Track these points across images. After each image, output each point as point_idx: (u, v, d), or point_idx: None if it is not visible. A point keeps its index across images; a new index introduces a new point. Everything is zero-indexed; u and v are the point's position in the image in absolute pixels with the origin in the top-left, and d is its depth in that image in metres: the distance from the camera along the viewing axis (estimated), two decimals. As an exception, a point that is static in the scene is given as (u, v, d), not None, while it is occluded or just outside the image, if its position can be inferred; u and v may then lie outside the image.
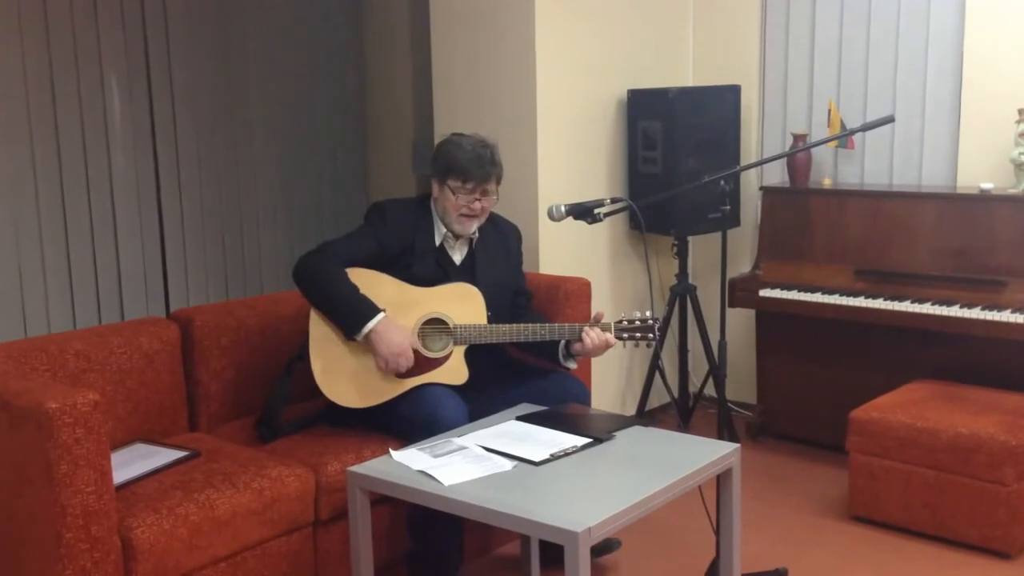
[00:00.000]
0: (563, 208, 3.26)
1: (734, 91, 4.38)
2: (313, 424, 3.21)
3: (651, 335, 3.13)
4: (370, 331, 3.00)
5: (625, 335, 3.13)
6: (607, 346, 3.12)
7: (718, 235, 3.63)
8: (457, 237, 3.25)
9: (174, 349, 3.23)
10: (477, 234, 3.29)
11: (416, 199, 3.33)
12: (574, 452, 2.69)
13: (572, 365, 3.27)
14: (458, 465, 2.60)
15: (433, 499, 2.49)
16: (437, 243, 3.23)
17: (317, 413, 3.22)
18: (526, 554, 3.08)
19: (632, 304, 4.45)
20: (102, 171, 4.78)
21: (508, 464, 2.61)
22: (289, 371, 3.21)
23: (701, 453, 2.70)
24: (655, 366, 4.36)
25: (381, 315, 3.02)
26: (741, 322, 4.55)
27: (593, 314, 3.20)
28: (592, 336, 3.10)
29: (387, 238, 3.18)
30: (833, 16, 4.36)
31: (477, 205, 3.17)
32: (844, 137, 4.01)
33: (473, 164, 3.16)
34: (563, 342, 3.19)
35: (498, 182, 3.23)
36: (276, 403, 3.18)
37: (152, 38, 4.90)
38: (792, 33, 4.49)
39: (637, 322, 3.13)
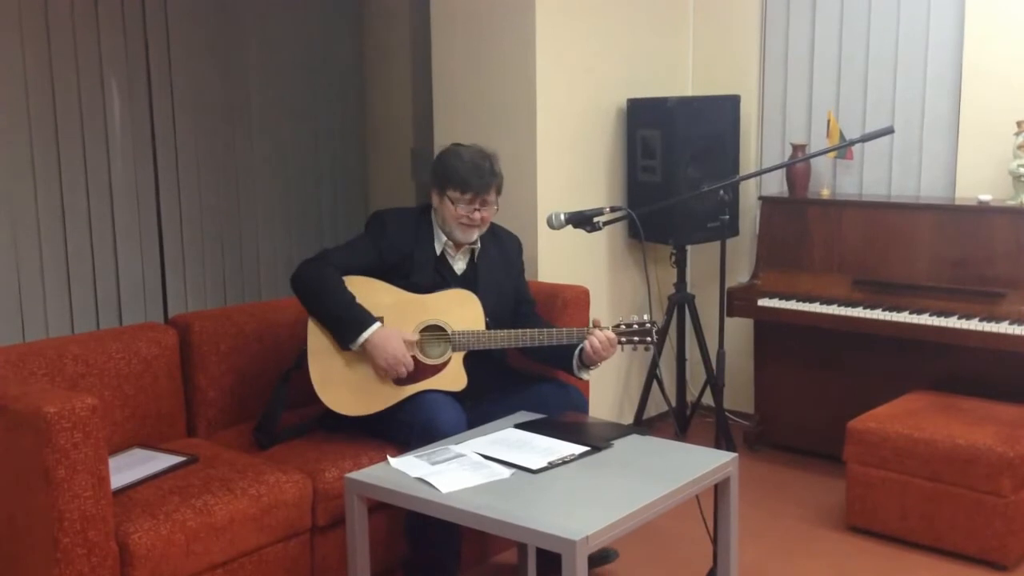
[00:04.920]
0: (562, 216, 3.27)
1: (733, 101, 4.39)
2: (311, 430, 3.21)
3: (649, 338, 3.13)
4: (365, 341, 3.01)
5: (623, 339, 3.13)
6: (613, 345, 3.12)
7: (717, 244, 3.64)
8: (458, 247, 3.25)
9: (172, 355, 3.23)
10: (479, 244, 3.29)
11: (416, 209, 3.33)
12: (572, 460, 2.69)
13: (585, 376, 3.26)
14: (456, 472, 2.60)
15: (431, 506, 2.49)
16: (438, 252, 3.23)
17: (315, 419, 3.22)
18: (523, 562, 3.08)
19: (631, 313, 4.44)
20: (102, 175, 4.79)
21: (506, 472, 2.61)
22: (286, 380, 3.21)
23: (699, 462, 2.70)
24: (653, 375, 4.36)
25: (376, 325, 3.02)
26: (739, 331, 4.55)
27: (591, 320, 3.20)
28: (596, 338, 3.09)
29: (387, 248, 3.18)
30: (833, 27, 4.37)
31: (477, 215, 3.17)
32: (843, 148, 4.02)
33: (472, 175, 3.15)
34: (576, 353, 3.19)
35: (498, 192, 3.23)
36: (273, 411, 3.18)
37: (153, 43, 4.91)
38: (792, 43, 4.50)
39: (635, 325, 3.14)
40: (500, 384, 3.27)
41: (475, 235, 3.22)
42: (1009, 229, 3.72)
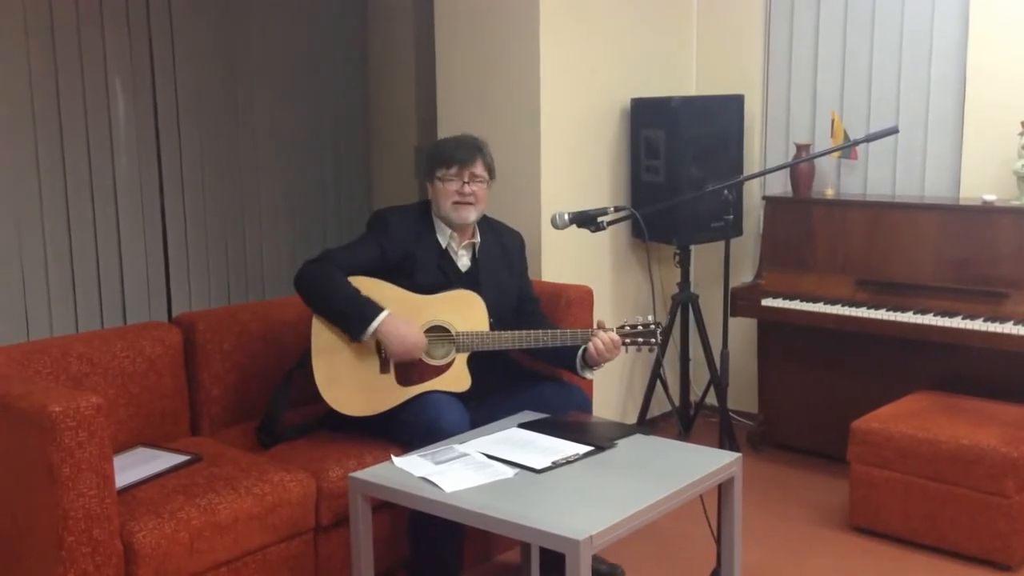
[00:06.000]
0: (566, 216, 3.27)
1: (737, 100, 4.39)
2: (314, 429, 3.21)
3: (653, 339, 3.14)
4: (376, 329, 3.01)
5: (627, 340, 3.14)
6: (617, 347, 3.13)
7: (720, 244, 3.64)
8: (462, 237, 3.25)
9: (177, 353, 3.24)
10: (479, 238, 3.29)
11: (417, 205, 3.34)
12: (576, 460, 2.69)
13: (589, 375, 3.27)
14: (460, 472, 2.60)
15: (434, 505, 2.49)
16: (444, 245, 3.23)
17: (318, 418, 3.22)
18: (527, 562, 3.08)
19: (634, 312, 4.45)
20: (106, 174, 4.79)
21: (510, 471, 2.61)
22: (289, 379, 3.21)
23: (703, 462, 2.70)
24: (656, 374, 4.36)
25: (385, 313, 3.02)
26: (743, 331, 4.55)
27: (595, 322, 3.21)
28: (600, 341, 3.09)
29: (389, 245, 3.18)
30: (837, 27, 4.37)
31: (467, 189, 3.18)
32: (847, 148, 4.01)
33: (455, 149, 3.21)
34: (580, 353, 3.19)
35: (489, 172, 3.25)
36: (276, 410, 3.19)
37: (157, 42, 4.92)
38: (796, 43, 4.50)
39: (639, 327, 3.14)
40: (504, 384, 3.27)
41: (471, 215, 3.21)
42: (1013, 229, 3.71)
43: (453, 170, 3.18)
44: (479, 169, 3.21)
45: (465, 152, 3.20)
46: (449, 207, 3.19)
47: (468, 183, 3.18)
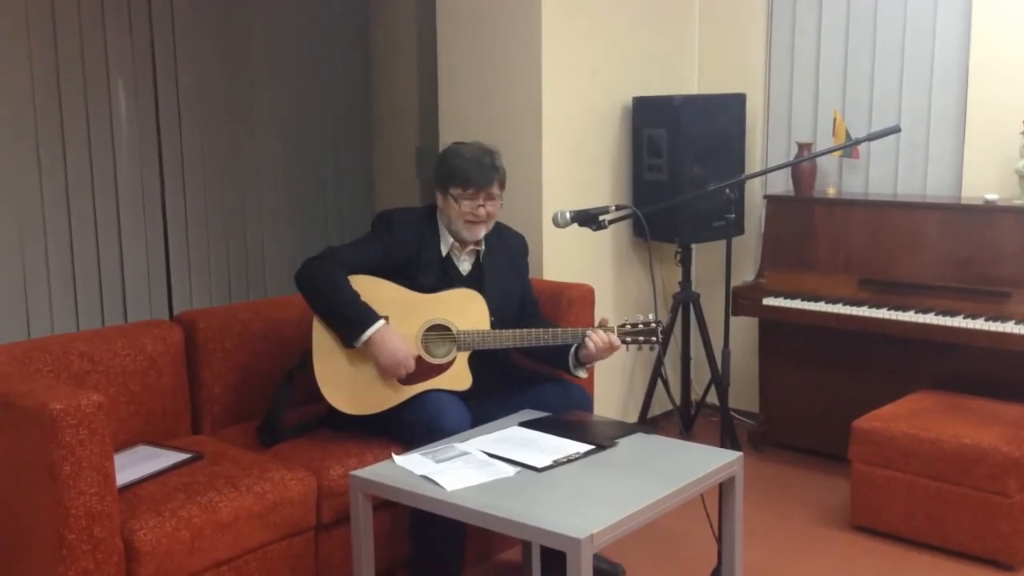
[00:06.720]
0: (568, 215, 3.26)
1: (739, 99, 4.39)
2: (315, 428, 3.21)
3: (654, 338, 3.14)
4: (368, 339, 3.00)
5: (628, 338, 3.13)
6: (612, 348, 3.13)
7: (722, 243, 3.64)
8: (464, 247, 3.24)
9: (178, 352, 3.23)
10: (484, 246, 3.29)
11: (422, 209, 3.33)
12: (577, 459, 2.69)
13: (582, 374, 3.26)
14: (461, 470, 2.60)
15: (435, 504, 2.49)
16: (444, 253, 3.23)
17: (319, 417, 3.22)
18: (527, 560, 3.08)
19: (636, 311, 4.43)
20: (107, 172, 4.79)
21: (511, 470, 2.61)
22: (290, 378, 3.21)
23: (704, 461, 2.70)
24: (657, 373, 4.36)
25: (380, 323, 3.02)
26: (744, 330, 4.55)
27: (597, 320, 3.21)
28: (597, 339, 3.10)
29: (392, 247, 3.17)
30: (839, 25, 4.37)
31: (482, 211, 3.16)
32: (849, 147, 4.01)
33: (473, 170, 3.15)
34: (572, 351, 3.19)
35: (502, 187, 3.22)
36: (277, 410, 3.18)
37: (158, 40, 4.92)
38: (798, 42, 4.50)
39: (640, 325, 3.14)
40: (504, 383, 3.27)
41: (482, 232, 3.21)
42: (1015, 228, 3.71)
43: (470, 191, 3.14)
44: (495, 189, 3.18)
45: (483, 175, 3.15)
46: (461, 224, 3.18)
47: (483, 205, 3.16)
